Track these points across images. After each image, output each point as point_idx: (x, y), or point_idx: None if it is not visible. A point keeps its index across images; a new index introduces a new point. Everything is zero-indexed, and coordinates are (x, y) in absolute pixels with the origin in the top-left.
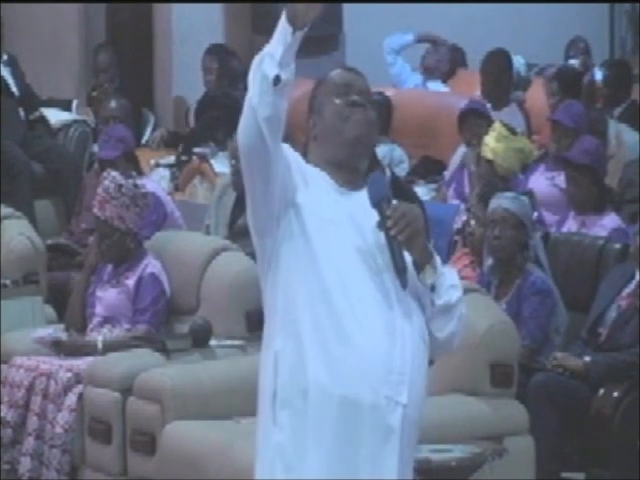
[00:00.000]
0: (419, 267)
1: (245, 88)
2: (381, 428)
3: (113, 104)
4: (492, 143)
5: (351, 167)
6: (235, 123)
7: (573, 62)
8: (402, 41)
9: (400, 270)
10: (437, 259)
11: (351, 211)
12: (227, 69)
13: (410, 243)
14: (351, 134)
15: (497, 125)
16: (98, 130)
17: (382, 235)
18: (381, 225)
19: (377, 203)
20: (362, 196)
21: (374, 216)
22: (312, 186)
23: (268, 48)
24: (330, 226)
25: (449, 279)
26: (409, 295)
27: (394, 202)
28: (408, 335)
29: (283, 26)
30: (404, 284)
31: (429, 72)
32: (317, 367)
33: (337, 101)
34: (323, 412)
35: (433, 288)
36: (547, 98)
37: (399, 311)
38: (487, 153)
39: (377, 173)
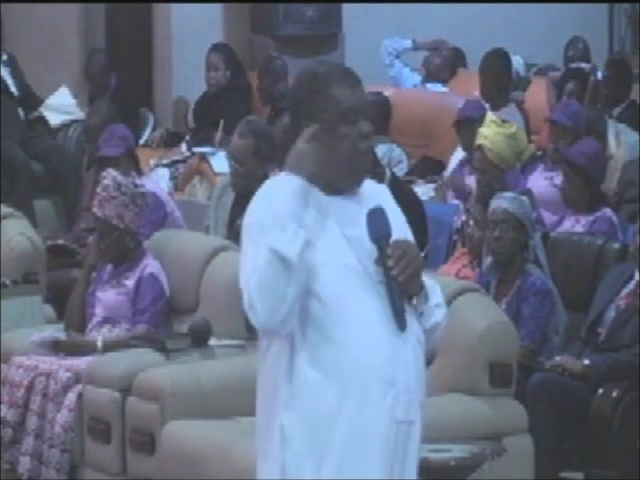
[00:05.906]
0: (410, 297)
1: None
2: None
3: (92, 118)
4: (482, 130)
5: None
6: (243, 114)
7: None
8: (399, 46)
9: (398, 312)
10: (427, 287)
11: (341, 223)
12: (232, 66)
13: (409, 283)
14: (362, 168)
15: (489, 114)
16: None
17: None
18: (379, 261)
19: (377, 239)
20: (350, 204)
21: (363, 226)
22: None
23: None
24: (320, 249)
25: (434, 299)
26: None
27: (392, 239)
28: (410, 347)
29: None
30: (402, 326)
31: (430, 75)
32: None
33: (349, 131)
34: (331, 438)
35: (421, 314)
36: (548, 99)
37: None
38: (478, 140)
39: (377, 207)
